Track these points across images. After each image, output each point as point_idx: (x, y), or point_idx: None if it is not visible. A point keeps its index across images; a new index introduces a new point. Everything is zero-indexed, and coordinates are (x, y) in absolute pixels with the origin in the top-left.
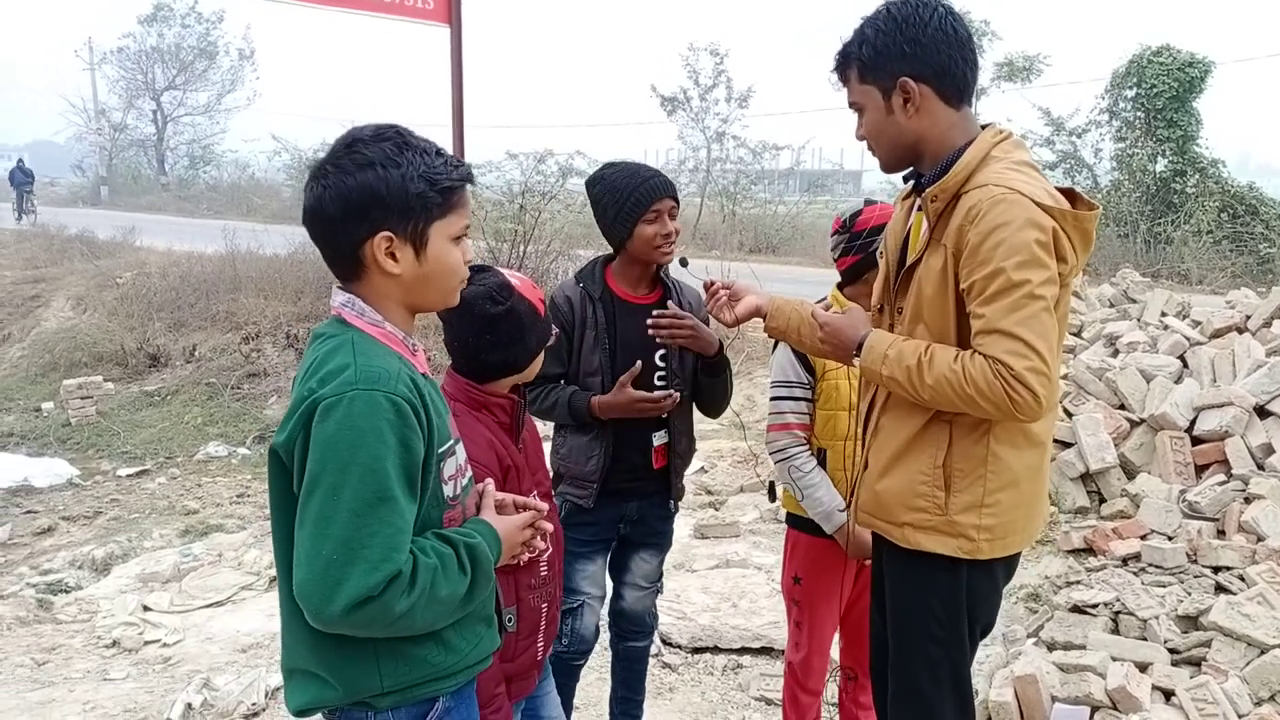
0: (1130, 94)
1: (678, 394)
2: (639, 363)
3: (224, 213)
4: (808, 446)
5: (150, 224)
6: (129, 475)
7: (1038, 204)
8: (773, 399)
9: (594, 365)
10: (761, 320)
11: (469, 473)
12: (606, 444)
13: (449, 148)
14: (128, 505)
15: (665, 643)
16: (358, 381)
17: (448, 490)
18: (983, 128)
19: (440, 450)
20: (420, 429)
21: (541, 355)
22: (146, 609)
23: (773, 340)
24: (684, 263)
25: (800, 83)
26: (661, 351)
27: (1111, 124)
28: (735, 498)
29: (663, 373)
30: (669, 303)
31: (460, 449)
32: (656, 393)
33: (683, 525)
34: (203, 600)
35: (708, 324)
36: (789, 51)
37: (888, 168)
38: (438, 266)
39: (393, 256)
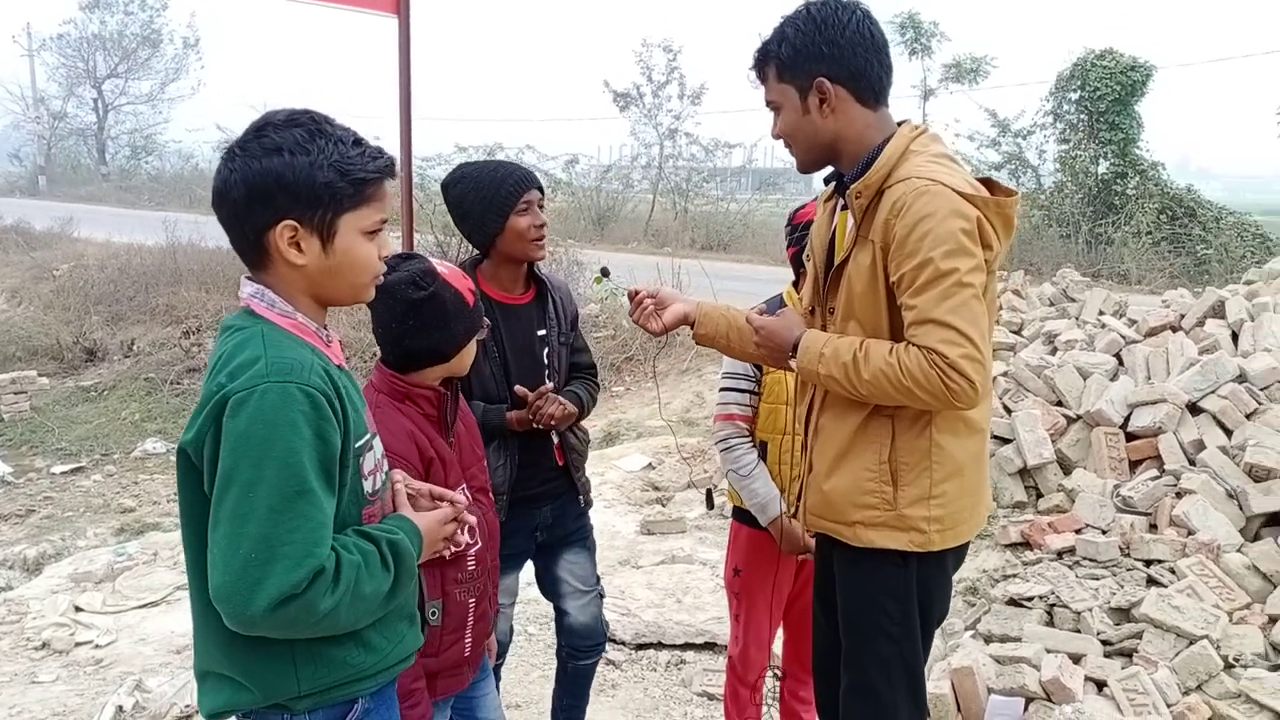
0: (1074, 97)
1: (573, 408)
2: (550, 384)
3: (166, 204)
4: (749, 439)
5: (89, 215)
6: (63, 472)
7: (960, 194)
8: (720, 389)
9: (486, 374)
10: (689, 328)
11: (386, 467)
12: (512, 452)
13: (397, 140)
14: (61, 503)
15: (610, 640)
16: (269, 374)
17: (367, 486)
18: (899, 124)
19: (358, 444)
20: (336, 421)
21: (471, 346)
22: (79, 609)
23: None
24: (605, 273)
25: (756, 90)
26: (546, 350)
27: (1056, 126)
28: (682, 494)
29: (549, 370)
30: (534, 393)
31: (377, 443)
32: (558, 405)
33: (629, 521)
34: (137, 600)
35: (573, 326)
36: (742, 49)
37: (804, 168)
38: (346, 260)
39: (297, 246)
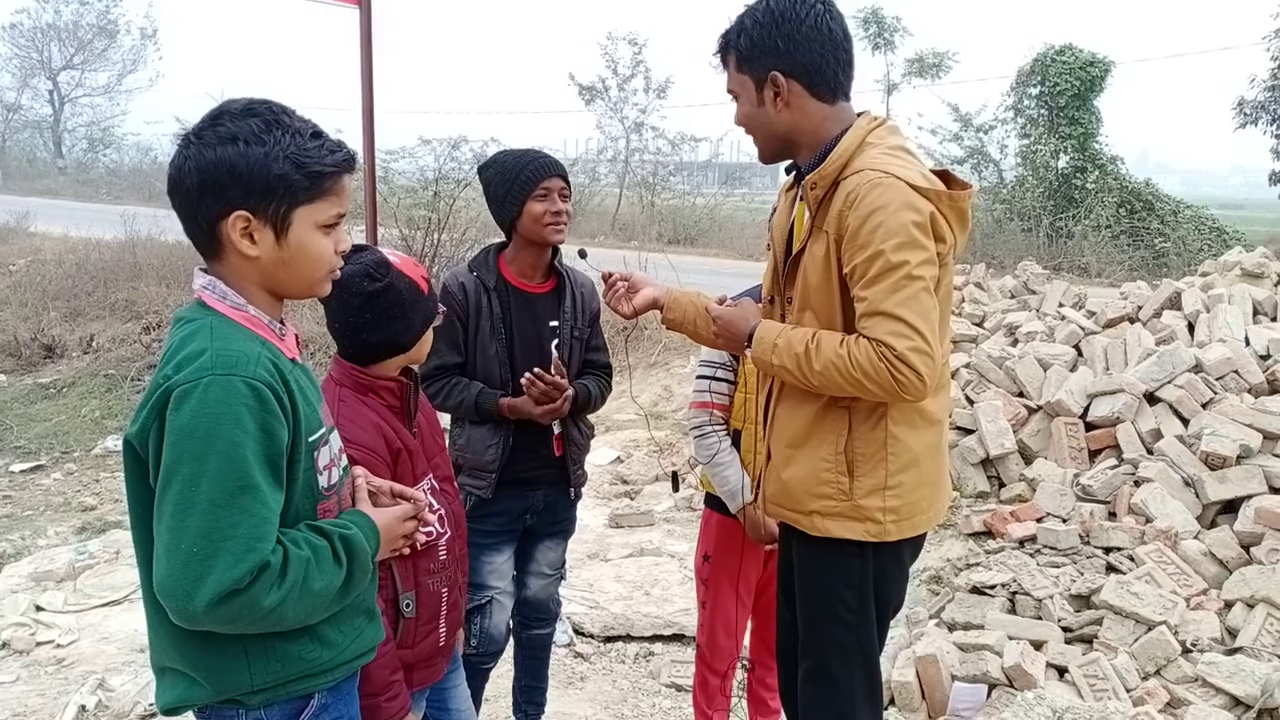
0: (1034, 92)
1: (572, 391)
2: (561, 367)
3: (124, 198)
4: (723, 426)
5: (46, 209)
6: (22, 471)
7: (913, 187)
8: (697, 377)
9: (491, 355)
10: (659, 312)
11: (344, 462)
12: (507, 434)
13: (359, 132)
14: (21, 502)
15: (578, 632)
16: (214, 367)
17: (322, 480)
18: (859, 115)
19: (311, 439)
20: (284, 415)
21: (429, 335)
22: (39, 609)
23: None
24: (582, 254)
25: (719, 75)
26: (555, 341)
27: (1016, 121)
28: (650, 487)
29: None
30: (547, 371)
31: (334, 437)
32: (554, 401)
33: (597, 515)
34: (99, 599)
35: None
36: (708, 44)
37: (764, 158)
38: (299, 253)
39: (250, 238)
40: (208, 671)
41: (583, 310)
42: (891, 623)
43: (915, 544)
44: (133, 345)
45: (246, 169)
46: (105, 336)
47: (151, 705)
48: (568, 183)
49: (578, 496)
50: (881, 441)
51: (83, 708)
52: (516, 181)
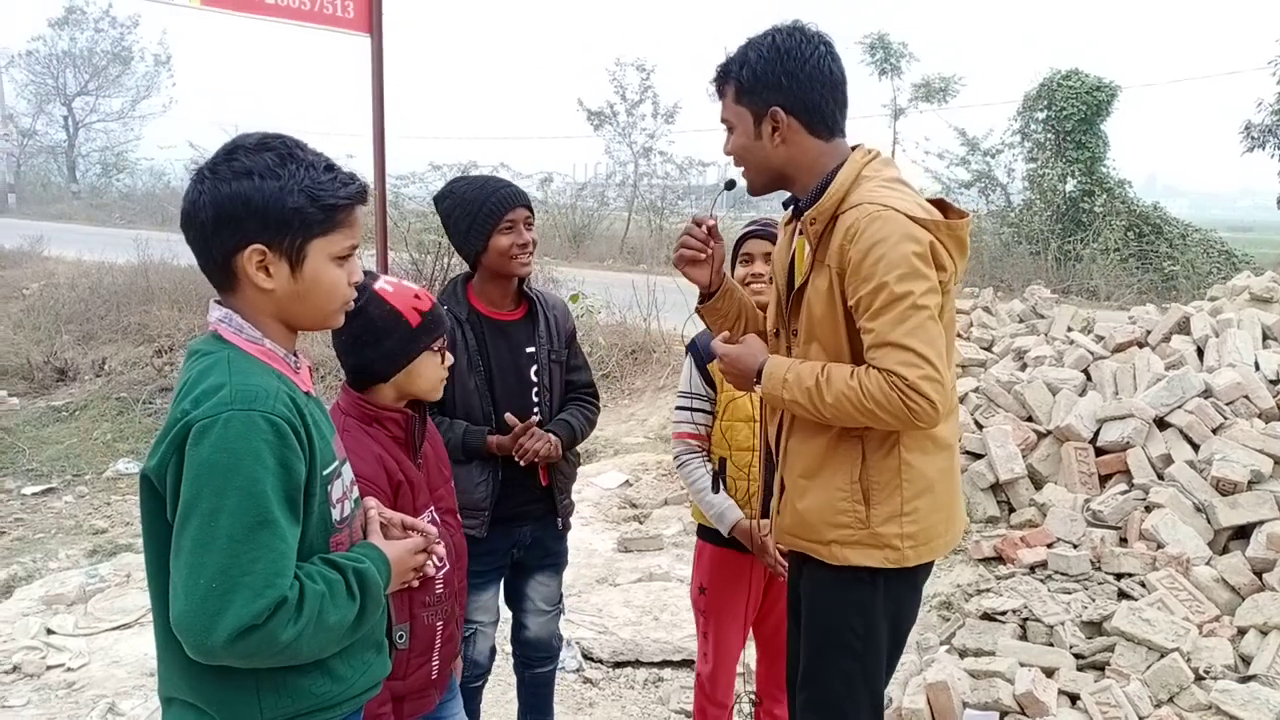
0: (1041, 116)
1: (556, 441)
2: (536, 417)
3: (137, 222)
4: (702, 454)
5: (60, 233)
6: (34, 494)
7: (912, 218)
8: (676, 408)
9: (470, 389)
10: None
11: (355, 494)
12: (495, 469)
13: (370, 158)
14: (32, 525)
15: (587, 657)
16: (233, 402)
17: (335, 514)
18: (853, 148)
19: (325, 472)
20: (301, 450)
21: (429, 369)
22: (50, 632)
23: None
24: (730, 185)
25: (711, 95)
26: (535, 367)
27: (1023, 145)
28: (659, 510)
29: (537, 388)
30: (520, 425)
31: (347, 470)
32: (542, 441)
33: (606, 539)
34: (110, 623)
35: (572, 340)
36: (714, 70)
37: (754, 190)
38: (314, 285)
39: (265, 271)
40: (219, 704)
41: (558, 332)
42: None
43: (927, 569)
44: (144, 369)
45: (262, 202)
46: (117, 360)
47: None
48: (531, 210)
49: (566, 527)
50: (895, 469)
51: None
52: (479, 215)
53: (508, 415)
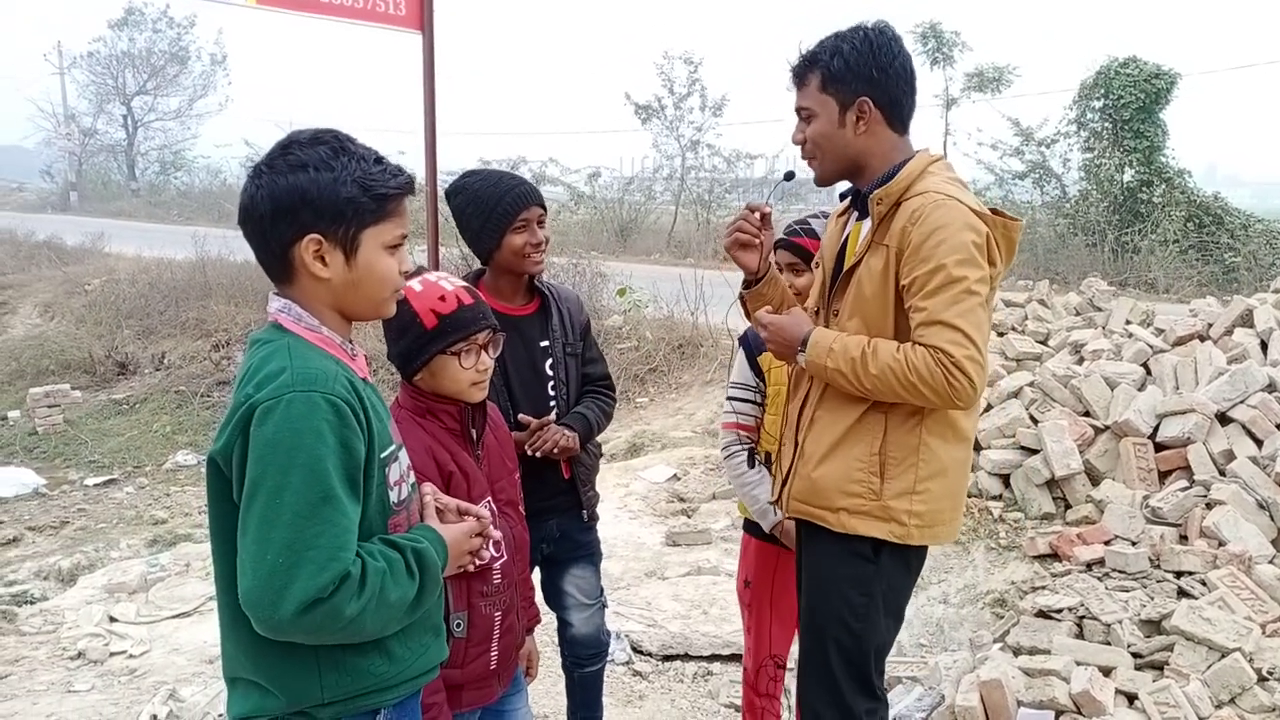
0: (1098, 105)
1: (573, 435)
2: (553, 413)
3: (195, 219)
4: (749, 446)
5: (120, 230)
6: (96, 485)
7: (973, 210)
8: (728, 398)
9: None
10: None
11: (412, 478)
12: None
13: (422, 154)
14: (95, 515)
15: (636, 650)
16: (294, 384)
17: (393, 496)
18: (917, 151)
19: (383, 455)
20: (360, 430)
21: (448, 368)
22: (113, 620)
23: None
24: (790, 176)
25: (774, 92)
26: (550, 361)
27: (1079, 134)
28: (707, 505)
29: (553, 382)
30: (536, 421)
31: (404, 454)
32: (559, 433)
33: (654, 533)
34: (170, 611)
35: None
36: (763, 60)
37: (823, 179)
38: (368, 273)
39: (322, 260)
40: (281, 682)
41: (572, 325)
42: (954, 646)
43: (922, 556)
44: (202, 363)
45: (317, 193)
46: (176, 354)
47: (221, 716)
48: (544, 208)
49: (592, 519)
50: (914, 447)
51: (154, 717)
52: (494, 214)
53: (521, 416)
